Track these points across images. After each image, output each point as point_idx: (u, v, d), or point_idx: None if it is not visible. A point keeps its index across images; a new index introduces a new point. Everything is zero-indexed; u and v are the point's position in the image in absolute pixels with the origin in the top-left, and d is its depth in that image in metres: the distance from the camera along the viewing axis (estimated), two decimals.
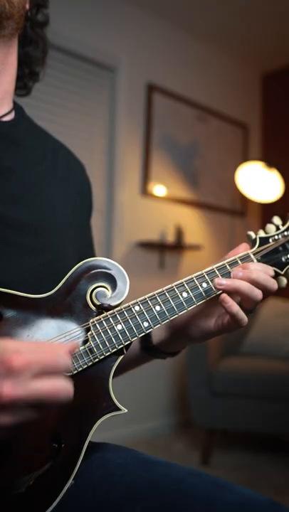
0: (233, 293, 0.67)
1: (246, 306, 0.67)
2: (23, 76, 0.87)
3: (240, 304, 0.67)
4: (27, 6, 0.78)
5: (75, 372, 0.61)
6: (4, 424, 0.46)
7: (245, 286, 0.65)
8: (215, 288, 0.68)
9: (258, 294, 0.66)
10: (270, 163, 3.27)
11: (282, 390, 2.59)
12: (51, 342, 0.52)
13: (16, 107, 0.81)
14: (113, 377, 0.64)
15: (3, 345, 0.47)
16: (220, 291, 0.68)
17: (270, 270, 0.69)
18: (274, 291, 0.68)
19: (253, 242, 0.74)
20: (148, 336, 0.77)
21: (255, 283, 0.66)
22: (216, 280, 0.67)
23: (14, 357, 0.45)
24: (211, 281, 0.68)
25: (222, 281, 0.66)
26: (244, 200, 3.91)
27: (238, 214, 3.94)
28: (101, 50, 3.05)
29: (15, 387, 0.45)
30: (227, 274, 0.69)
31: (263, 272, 0.67)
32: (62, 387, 0.48)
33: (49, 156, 0.82)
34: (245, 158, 3.96)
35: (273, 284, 0.67)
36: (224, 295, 0.66)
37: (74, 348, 0.53)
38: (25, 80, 0.88)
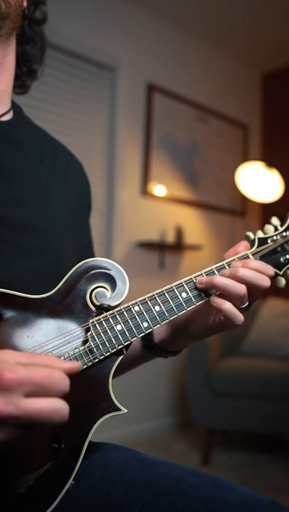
0: (215, 290, 0.67)
1: (234, 302, 0.66)
2: (21, 74, 0.86)
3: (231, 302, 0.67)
4: (24, 4, 0.77)
5: None
6: None
7: (223, 282, 0.65)
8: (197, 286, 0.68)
9: (239, 289, 0.65)
10: (270, 163, 3.27)
11: (282, 390, 2.59)
12: (52, 357, 0.49)
13: (15, 107, 0.80)
14: (114, 376, 0.64)
15: None
16: (218, 292, 0.68)
17: (270, 269, 0.68)
18: (265, 288, 0.67)
19: (251, 243, 0.74)
20: (150, 335, 0.77)
21: (241, 280, 0.65)
22: (198, 279, 0.67)
23: (7, 372, 0.43)
24: None
25: (202, 280, 0.67)
26: (244, 200, 3.91)
27: (238, 214, 3.94)
28: (101, 50, 3.05)
29: (5, 403, 0.43)
30: None
31: (251, 270, 0.66)
32: (55, 408, 0.45)
33: (48, 156, 0.82)
34: (245, 158, 3.96)
35: (263, 281, 0.66)
36: (212, 296, 0.66)
37: (76, 368, 0.50)
38: (24, 78, 0.87)
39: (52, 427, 0.59)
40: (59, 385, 0.46)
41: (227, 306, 0.65)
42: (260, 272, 0.67)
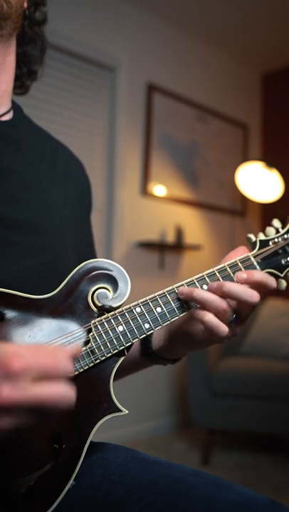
0: (196, 303, 0.66)
1: (217, 316, 0.64)
2: (21, 75, 0.87)
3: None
4: (25, 5, 0.77)
5: (77, 373, 0.61)
6: (2, 427, 0.45)
7: (202, 296, 0.63)
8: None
9: (218, 304, 0.63)
10: (270, 163, 3.27)
11: (282, 390, 2.59)
12: (53, 345, 0.50)
13: (15, 107, 0.81)
14: (113, 380, 0.64)
15: (2, 348, 0.46)
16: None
17: (272, 281, 0.66)
18: (253, 304, 0.64)
19: (253, 245, 0.74)
20: (148, 342, 0.77)
21: (225, 295, 0.64)
22: (179, 289, 0.66)
23: (13, 360, 0.44)
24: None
25: (183, 291, 0.66)
26: (244, 200, 3.91)
27: (238, 214, 3.95)
28: (101, 50, 3.05)
29: (14, 390, 0.44)
30: (227, 277, 0.69)
31: (239, 285, 0.64)
32: (63, 392, 0.46)
33: (48, 155, 0.82)
34: (245, 158, 3.96)
35: (251, 297, 0.63)
36: (195, 308, 0.65)
37: (77, 352, 0.51)
38: (24, 79, 0.88)
39: (53, 427, 0.59)
40: (63, 367, 0.47)
41: (207, 318, 0.63)
42: (263, 284, 0.65)
